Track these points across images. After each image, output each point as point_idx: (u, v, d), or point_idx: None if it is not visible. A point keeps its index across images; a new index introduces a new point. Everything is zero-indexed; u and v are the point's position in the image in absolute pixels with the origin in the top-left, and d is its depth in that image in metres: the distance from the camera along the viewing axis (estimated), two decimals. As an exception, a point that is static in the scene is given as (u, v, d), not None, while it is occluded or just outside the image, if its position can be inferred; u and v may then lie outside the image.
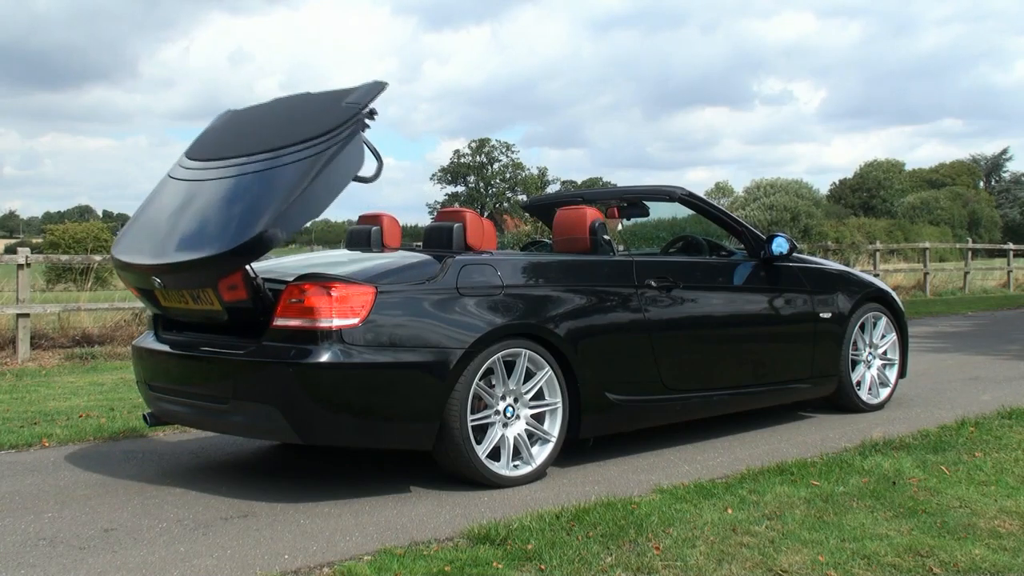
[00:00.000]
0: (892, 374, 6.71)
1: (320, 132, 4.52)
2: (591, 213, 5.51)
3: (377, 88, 4.75)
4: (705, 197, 6.15)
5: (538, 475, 4.76)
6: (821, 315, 6.19)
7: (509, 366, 4.71)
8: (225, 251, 4.27)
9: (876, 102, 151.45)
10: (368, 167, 4.67)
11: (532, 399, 4.79)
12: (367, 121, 4.62)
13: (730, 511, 4.08)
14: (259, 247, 4.26)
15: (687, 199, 5.87)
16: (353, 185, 5.12)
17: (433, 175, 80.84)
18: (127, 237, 4.93)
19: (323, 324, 4.27)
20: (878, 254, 20.93)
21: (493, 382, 4.67)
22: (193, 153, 5.11)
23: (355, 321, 4.31)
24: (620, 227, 6.92)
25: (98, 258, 12.01)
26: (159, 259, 4.58)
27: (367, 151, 4.63)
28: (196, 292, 4.56)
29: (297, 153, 4.50)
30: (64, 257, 15.13)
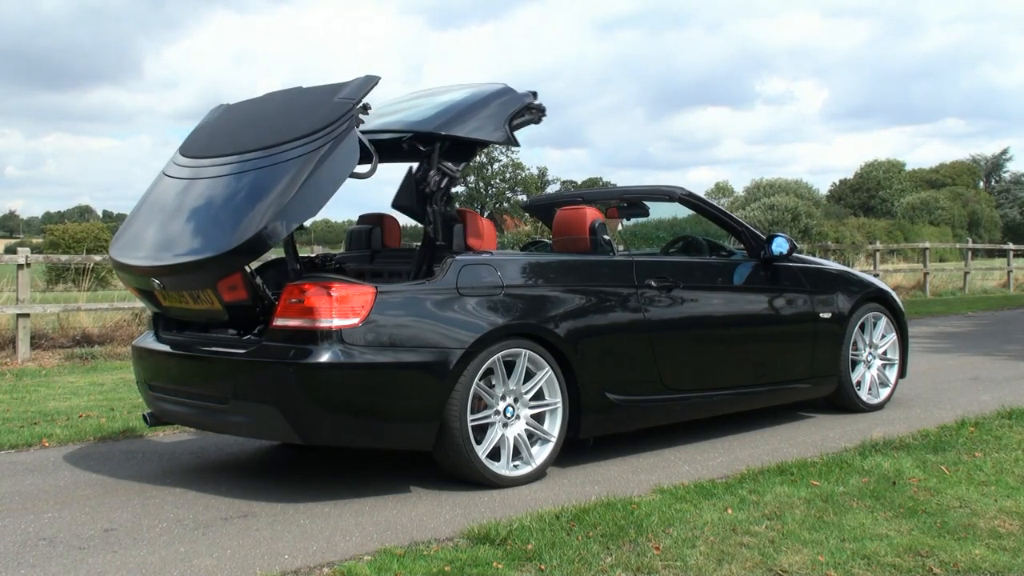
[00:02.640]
0: (892, 374, 6.70)
1: (315, 128, 4.50)
2: (591, 213, 5.51)
3: (369, 83, 4.71)
4: (705, 197, 6.15)
5: (538, 475, 4.76)
6: (821, 315, 6.19)
7: (509, 366, 4.71)
8: (224, 252, 4.28)
9: (878, 102, 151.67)
10: (363, 163, 4.67)
11: (532, 399, 4.79)
12: (361, 116, 4.60)
13: (730, 511, 4.08)
14: (258, 247, 4.27)
15: (687, 199, 5.87)
16: (353, 185, 5.15)
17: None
18: (124, 237, 4.92)
19: (323, 324, 4.27)
20: (878, 254, 20.93)
21: (493, 382, 4.67)
22: (187, 150, 5.08)
23: (355, 321, 4.31)
24: (620, 227, 6.92)
25: (98, 258, 12.00)
26: (158, 261, 4.58)
27: (362, 147, 4.62)
28: (196, 292, 4.56)
29: (293, 150, 4.48)
30: (64, 257, 15.13)
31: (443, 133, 4.75)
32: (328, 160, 4.37)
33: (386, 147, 5.03)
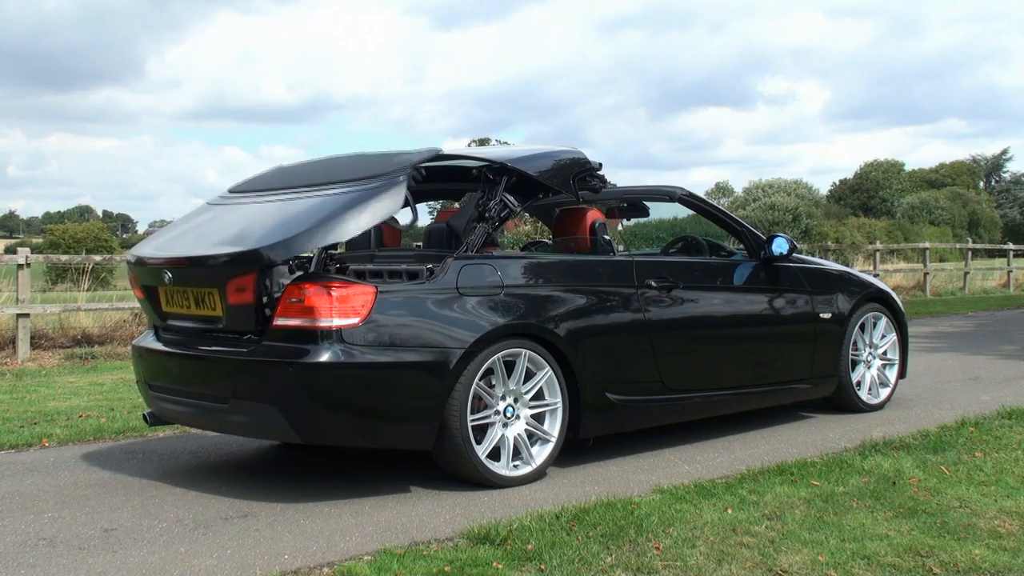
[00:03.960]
0: (892, 374, 6.70)
1: (366, 175, 4.76)
2: (591, 213, 5.52)
3: (431, 153, 5.00)
4: (705, 197, 6.15)
5: (538, 475, 4.76)
6: (821, 315, 6.19)
7: (509, 366, 4.71)
8: (241, 251, 4.41)
9: (880, 103, 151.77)
10: (404, 217, 4.99)
11: (532, 399, 4.79)
12: (415, 177, 4.83)
13: (730, 511, 4.08)
14: (274, 255, 4.34)
15: (687, 199, 5.87)
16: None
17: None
18: (148, 242, 5.27)
19: (323, 324, 4.28)
20: (878, 254, 20.93)
21: (493, 382, 4.67)
22: (236, 189, 5.45)
23: (355, 321, 4.31)
24: (620, 227, 6.92)
25: (98, 258, 12.03)
26: (174, 254, 4.82)
27: (406, 202, 4.73)
28: (201, 294, 4.59)
29: (338, 188, 4.72)
30: (64, 257, 15.15)
31: (511, 166, 5.05)
32: (371, 200, 4.54)
33: (459, 172, 5.60)
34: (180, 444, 5.82)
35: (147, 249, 5.08)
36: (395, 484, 4.71)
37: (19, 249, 10.65)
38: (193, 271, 4.67)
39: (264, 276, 4.36)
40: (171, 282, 4.73)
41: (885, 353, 6.66)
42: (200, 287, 4.63)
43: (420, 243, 6.22)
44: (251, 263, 4.37)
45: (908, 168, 77.66)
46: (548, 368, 4.78)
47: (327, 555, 3.65)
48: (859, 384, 6.49)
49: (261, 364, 4.38)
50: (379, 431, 4.47)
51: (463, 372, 4.48)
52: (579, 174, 5.35)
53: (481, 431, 4.62)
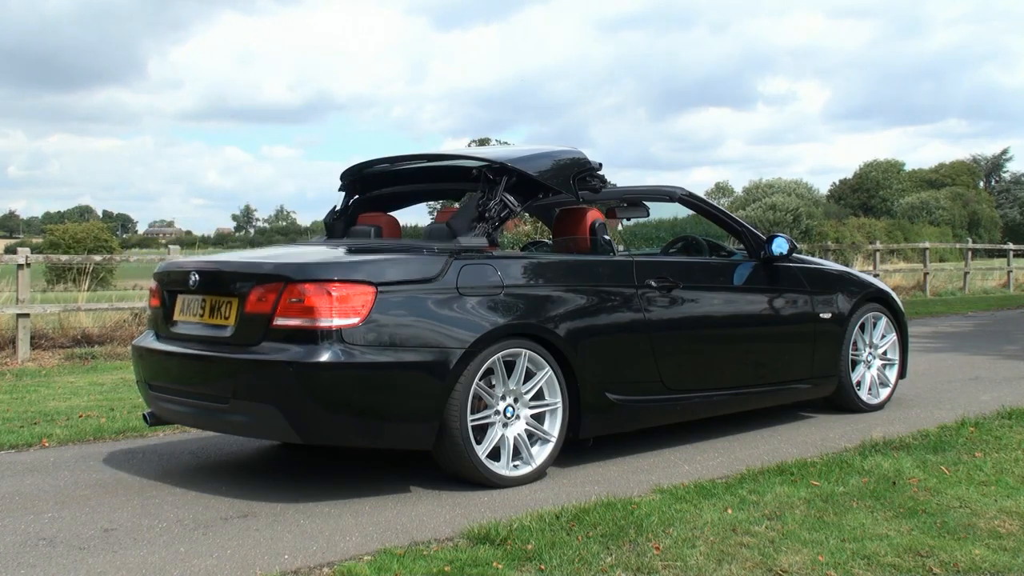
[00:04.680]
0: (892, 374, 6.70)
1: (407, 248, 4.93)
2: (591, 213, 5.52)
3: (480, 245, 5.06)
4: (705, 197, 6.15)
5: (538, 475, 4.76)
6: (821, 315, 6.19)
7: (509, 366, 4.71)
8: (275, 264, 4.55)
9: (880, 103, 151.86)
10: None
11: (532, 399, 4.79)
12: (456, 254, 4.96)
13: (730, 511, 4.08)
14: (305, 274, 4.39)
15: (687, 199, 5.87)
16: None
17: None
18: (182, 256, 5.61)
19: (323, 324, 4.28)
20: (878, 254, 20.93)
21: (493, 382, 4.67)
22: (279, 243, 5.75)
23: (355, 321, 4.31)
24: (620, 227, 6.93)
25: (98, 258, 12.02)
26: (207, 259, 5.04)
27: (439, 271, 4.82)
28: (219, 302, 4.66)
29: (388, 245, 5.06)
30: (64, 257, 15.17)
31: (511, 166, 5.11)
32: (406, 260, 4.64)
33: (460, 172, 5.68)
34: (180, 444, 5.82)
35: (175, 258, 5.54)
36: (395, 484, 4.71)
37: (19, 249, 10.65)
38: (221, 277, 4.81)
39: (284, 290, 4.39)
40: (195, 285, 4.79)
41: (885, 353, 6.66)
42: (221, 295, 4.70)
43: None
44: (278, 278, 4.43)
45: (908, 168, 77.76)
46: (548, 368, 4.78)
47: (327, 555, 3.65)
48: (859, 384, 6.49)
49: (261, 364, 4.38)
50: (379, 431, 4.47)
51: (463, 372, 4.48)
52: (579, 174, 5.37)
53: (481, 431, 4.62)
